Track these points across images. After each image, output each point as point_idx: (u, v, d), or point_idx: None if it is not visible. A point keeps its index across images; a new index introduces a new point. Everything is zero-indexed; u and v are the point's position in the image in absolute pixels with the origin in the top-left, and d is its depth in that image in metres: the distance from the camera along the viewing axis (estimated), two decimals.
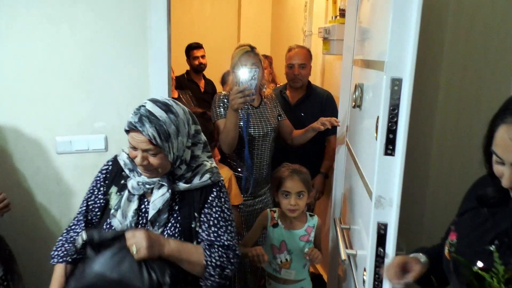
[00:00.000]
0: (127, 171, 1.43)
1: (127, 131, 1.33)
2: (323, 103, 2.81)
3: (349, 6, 2.21)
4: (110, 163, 1.53)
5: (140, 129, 1.29)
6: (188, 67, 4.09)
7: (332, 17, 3.03)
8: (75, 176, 1.96)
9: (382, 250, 1.24)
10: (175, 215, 1.41)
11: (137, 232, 1.30)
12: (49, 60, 1.86)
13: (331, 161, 2.77)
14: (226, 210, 1.45)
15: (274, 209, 2.06)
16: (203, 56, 4.01)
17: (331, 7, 3.16)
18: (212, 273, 1.37)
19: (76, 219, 1.49)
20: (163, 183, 1.39)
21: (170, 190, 1.39)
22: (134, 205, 1.40)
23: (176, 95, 3.38)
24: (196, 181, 1.42)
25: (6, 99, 1.85)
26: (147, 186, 1.39)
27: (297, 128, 2.49)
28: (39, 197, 1.96)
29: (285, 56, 2.87)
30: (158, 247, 1.30)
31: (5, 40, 1.81)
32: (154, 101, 1.35)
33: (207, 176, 1.44)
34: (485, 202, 1.08)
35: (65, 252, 1.43)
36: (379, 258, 1.24)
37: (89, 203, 1.47)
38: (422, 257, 1.19)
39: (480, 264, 0.95)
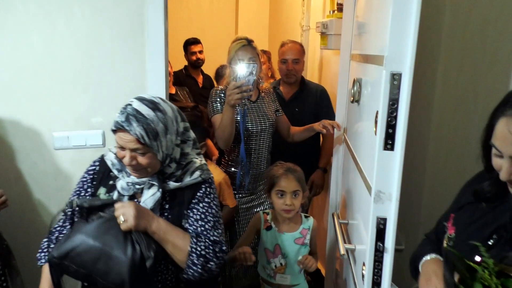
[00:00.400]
0: (115, 172, 1.41)
1: (114, 131, 1.31)
2: (317, 98, 2.80)
3: (347, 0, 2.20)
4: (96, 163, 1.50)
5: (127, 128, 1.26)
6: (186, 63, 4.08)
7: (329, 12, 3.02)
8: (73, 171, 1.96)
9: (381, 244, 1.24)
10: (166, 214, 1.39)
11: (127, 203, 1.30)
12: (45, 55, 1.85)
13: (329, 156, 2.78)
14: (214, 207, 1.44)
15: (267, 211, 1.99)
16: (200, 52, 4.00)
17: (328, 2, 3.15)
18: (196, 261, 1.33)
19: (61, 220, 1.46)
20: (153, 183, 1.37)
21: (160, 190, 1.37)
22: None
23: (173, 91, 3.37)
24: (187, 179, 1.41)
25: (2, 95, 1.84)
26: (137, 186, 1.37)
27: (292, 124, 2.49)
28: (37, 192, 1.95)
29: (277, 52, 2.86)
30: (146, 220, 1.29)
31: (1, 35, 1.80)
32: (141, 99, 1.33)
33: (197, 173, 1.42)
34: (481, 196, 1.08)
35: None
36: (378, 253, 1.24)
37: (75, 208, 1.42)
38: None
39: (478, 258, 0.95)
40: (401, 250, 1.35)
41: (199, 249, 1.34)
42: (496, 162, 0.98)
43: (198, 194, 1.42)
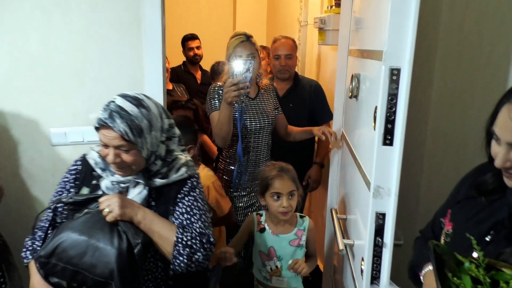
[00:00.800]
0: (99, 171, 1.39)
1: (97, 128, 1.29)
2: (312, 93, 2.79)
3: None
4: (78, 162, 1.47)
5: (111, 125, 1.25)
6: (184, 59, 4.07)
7: (327, 7, 3.01)
8: None
9: (380, 239, 1.24)
10: (152, 211, 1.37)
11: (111, 195, 1.29)
12: (42, 51, 1.84)
13: (326, 151, 2.78)
14: (200, 200, 1.43)
15: (260, 212, 1.93)
16: (198, 47, 3.99)
17: None
18: (181, 251, 1.31)
19: (44, 219, 1.43)
20: (139, 181, 1.35)
21: (147, 187, 1.35)
22: None
23: (170, 87, 3.36)
24: (173, 175, 1.39)
25: None
26: (122, 185, 1.36)
27: (286, 119, 2.47)
28: (34, 188, 1.94)
29: (270, 48, 2.85)
30: (131, 209, 1.28)
31: None
32: (124, 96, 1.32)
33: (183, 169, 1.41)
34: (483, 188, 1.08)
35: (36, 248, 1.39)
36: (377, 248, 1.25)
37: (58, 205, 1.39)
38: None
39: (475, 254, 0.95)
40: (400, 245, 1.35)
41: (185, 239, 1.32)
42: (494, 149, 0.98)
43: (184, 189, 1.41)
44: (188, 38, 4.00)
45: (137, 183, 1.36)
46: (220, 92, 2.15)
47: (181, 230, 1.34)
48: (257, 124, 2.19)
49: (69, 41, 1.85)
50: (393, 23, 1.14)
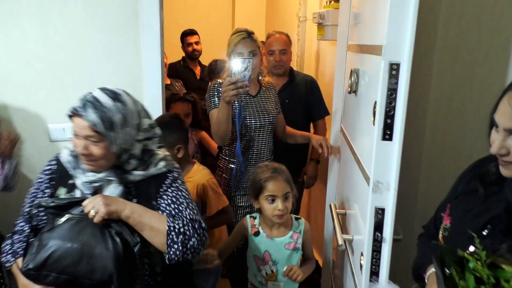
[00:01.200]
0: (71, 170, 1.36)
1: (70, 117, 1.27)
2: (308, 89, 2.77)
3: None
4: (53, 162, 1.43)
5: (82, 114, 1.24)
6: (184, 54, 4.06)
7: (326, 2, 3.00)
8: None
9: (379, 234, 1.24)
10: (140, 205, 1.34)
11: (94, 197, 1.25)
12: (40, 47, 1.83)
13: None
14: (184, 190, 1.41)
15: (254, 215, 1.84)
16: (197, 43, 3.98)
17: None
18: (175, 239, 1.28)
19: (19, 225, 1.39)
20: (111, 178, 1.32)
21: (122, 183, 1.33)
22: None
23: (168, 83, 3.35)
24: (152, 168, 1.37)
25: None
26: (94, 184, 1.33)
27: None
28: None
29: (264, 43, 2.82)
30: (117, 205, 1.25)
31: None
32: (103, 89, 1.31)
33: (162, 164, 1.39)
34: (486, 179, 1.08)
35: (17, 250, 1.36)
36: (377, 243, 1.25)
37: (35, 210, 1.35)
38: None
39: (472, 248, 0.96)
40: (399, 240, 1.35)
41: (177, 226, 1.30)
42: (492, 136, 0.98)
43: (166, 182, 1.39)
44: (186, 34, 3.99)
45: (109, 181, 1.32)
46: (220, 89, 2.10)
47: (171, 219, 1.32)
48: (257, 122, 2.16)
49: (67, 36, 1.85)
50: (393, 18, 1.13)
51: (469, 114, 1.64)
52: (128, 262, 1.23)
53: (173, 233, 1.29)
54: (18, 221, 1.42)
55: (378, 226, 1.24)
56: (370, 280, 1.29)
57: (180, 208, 1.36)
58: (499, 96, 0.97)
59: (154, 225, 1.29)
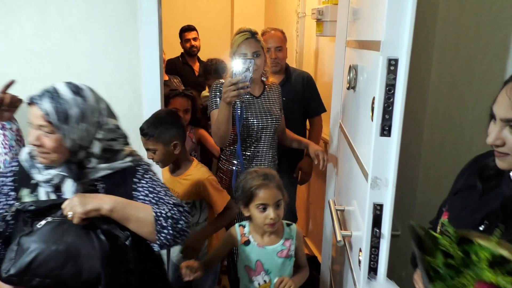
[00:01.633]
0: (28, 169, 1.32)
1: (29, 105, 1.25)
2: (304, 85, 2.74)
3: None
4: (14, 164, 1.39)
5: (36, 102, 1.22)
6: (182, 50, 4.05)
7: None
8: None
9: (378, 230, 1.24)
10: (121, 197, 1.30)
11: (71, 199, 1.21)
12: (37, 43, 1.83)
13: (317, 143, 2.77)
14: (157, 180, 1.39)
15: (243, 223, 1.75)
16: (195, 39, 3.96)
17: None
18: (164, 224, 1.27)
19: None
20: (64, 174, 1.28)
21: (79, 180, 1.29)
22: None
23: (166, 79, 3.34)
24: (117, 162, 1.34)
25: None
26: (52, 182, 1.29)
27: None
28: None
29: None
30: (95, 202, 1.21)
31: None
32: (68, 83, 1.29)
33: (128, 158, 1.36)
34: (485, 173, 1.08)
35: None
36: (375, 239, 1.25)
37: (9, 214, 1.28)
38: None
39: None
40: (397, 236, 1.35)
41: (163, 212, 1.28)
42: (490, 128, 0.99)
43: (137, 175, 1.36)
44: (184, 30, 3.98)
45: (63, 177, 1.29)
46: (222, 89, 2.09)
47: (156, 206, 1.30)
48: (259, 123, 2.11)
49: (64, 32, 1.84)
50: (391, 13, 1.13)
51: (468, 110, 1.64)
52: (116, 259, 1.21)
53: (161, 218, 1.27)
54: None
55: (377, 222, 1.24)
56: (368, 278, 1.29)
57: (160, 195, 1.35)
58: (500, 89, 0.98)
59: (140, 215, 1.26)
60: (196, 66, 4.02)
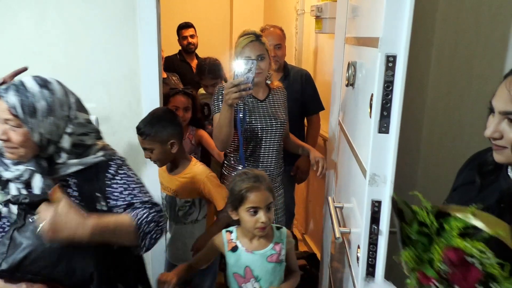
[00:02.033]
0: None
1: None
2: (303, 83, 2.73)
3: None
4: None
5: (2, 95, 1.19)
6: (180, 48, 4.05)
7: None
8: None
9: (376, 227, 1.24)
10: (75, 201, 1.27)
11: (50, 208, 1.13)
12: (36, 40, 1.83)
13: (315, 141, 2.76)
14: (132, 175, 1.37)
15: (230, 228, 1.68)
16: (192, 36, 3.95)
17: None
18: (147, 230, 1.27)
19: None
20: (32, 168, 1.25)
21: (48, 175, 1.26)
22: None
23: (164, 76, 3.33)
24: (89, 157, 1.31)
25: None
26: (21, 178, 1.26)
27: None
28: None
29: None
30: (68, 231, 1.12)
31: None
32: (35, 76, 1.27)
33: (100, 153, 1.33)
34: (484, 169, 1.08)
35: None
36: (373, 235, 1.25)
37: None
38: None
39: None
40: (395, 233, 1.35)
41: (143, 216, 1.28)
42: (488, 121, 0.99)
43: (110, 171, 1.34)
44: (182, 27, 3.97)
45: (32, 172, 1.26)
46: None
47: (133, 213, 1.29)
48: (263, 127, 2.05)
49: (63, 30, 1.84)
50: (389, 10, 1.13)
51: (467, 107, 1.64)
52: (110, 258, 1.21)
53: (144, 223, 1.27)
54: None
55: (375, 219, 1.25)
56: (366, 279, 1.29)
57: (134, 192, 1.34)
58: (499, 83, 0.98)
59: (122, 223, 1.25)
60: (194, 63, 4.01)
